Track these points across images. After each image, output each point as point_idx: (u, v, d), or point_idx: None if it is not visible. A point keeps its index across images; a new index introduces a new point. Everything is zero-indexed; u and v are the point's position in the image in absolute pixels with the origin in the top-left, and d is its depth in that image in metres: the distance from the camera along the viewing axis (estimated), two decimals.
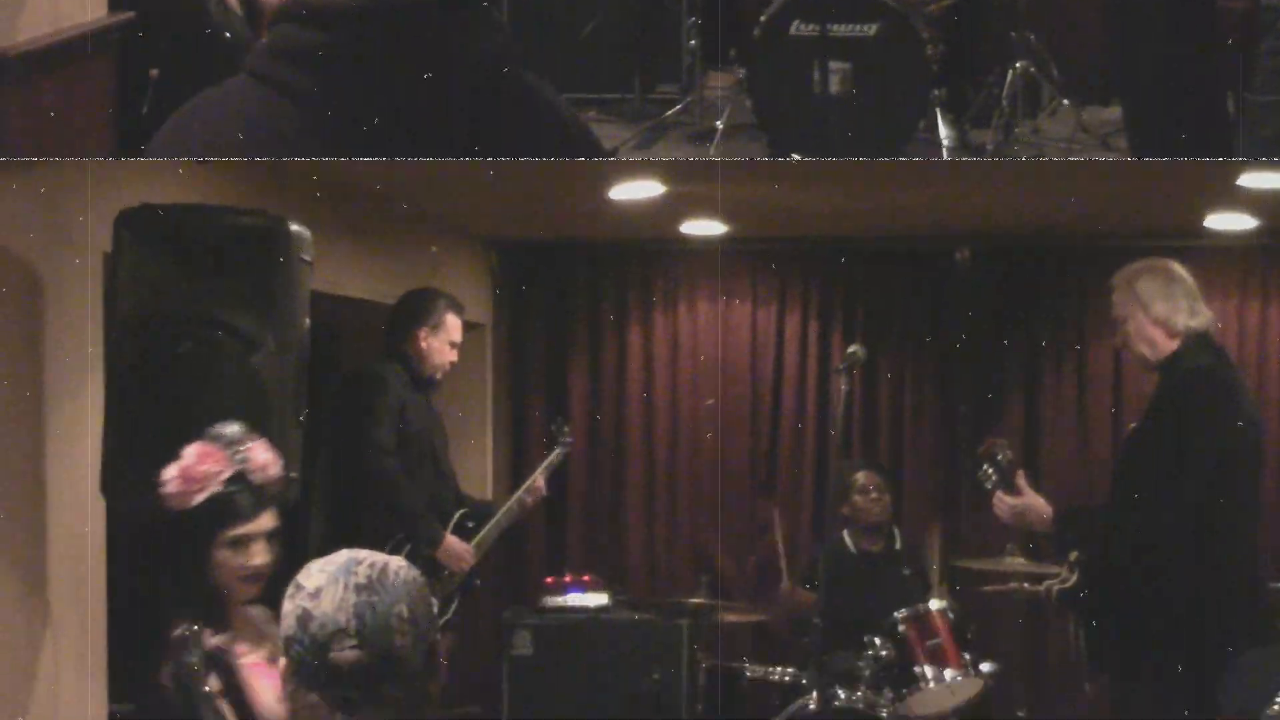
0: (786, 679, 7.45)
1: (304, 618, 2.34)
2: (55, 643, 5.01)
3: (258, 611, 3.72)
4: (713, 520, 9.12)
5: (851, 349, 5.81)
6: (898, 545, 8.04)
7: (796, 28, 6.74)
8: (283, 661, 2.37)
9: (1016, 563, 7.45)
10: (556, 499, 8.93)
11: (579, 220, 8.54)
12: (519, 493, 7.19)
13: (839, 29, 6.87)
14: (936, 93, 7.22)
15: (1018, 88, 7.40)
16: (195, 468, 3.66)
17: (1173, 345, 5.80)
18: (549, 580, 8.49)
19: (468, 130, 2.28)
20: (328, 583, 2.36)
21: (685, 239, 8.95)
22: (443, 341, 6.90)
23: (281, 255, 4.81)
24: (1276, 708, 2.80)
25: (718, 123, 7.25)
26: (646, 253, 9.21)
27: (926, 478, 9.02)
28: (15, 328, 4.90)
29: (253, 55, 2.28)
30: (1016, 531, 6.76)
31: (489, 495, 8.46)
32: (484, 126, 2.30)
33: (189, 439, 4.73)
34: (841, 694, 7.05)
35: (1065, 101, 7.58)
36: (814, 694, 6.81)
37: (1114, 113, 7.15)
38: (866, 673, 7.16)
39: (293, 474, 4.91)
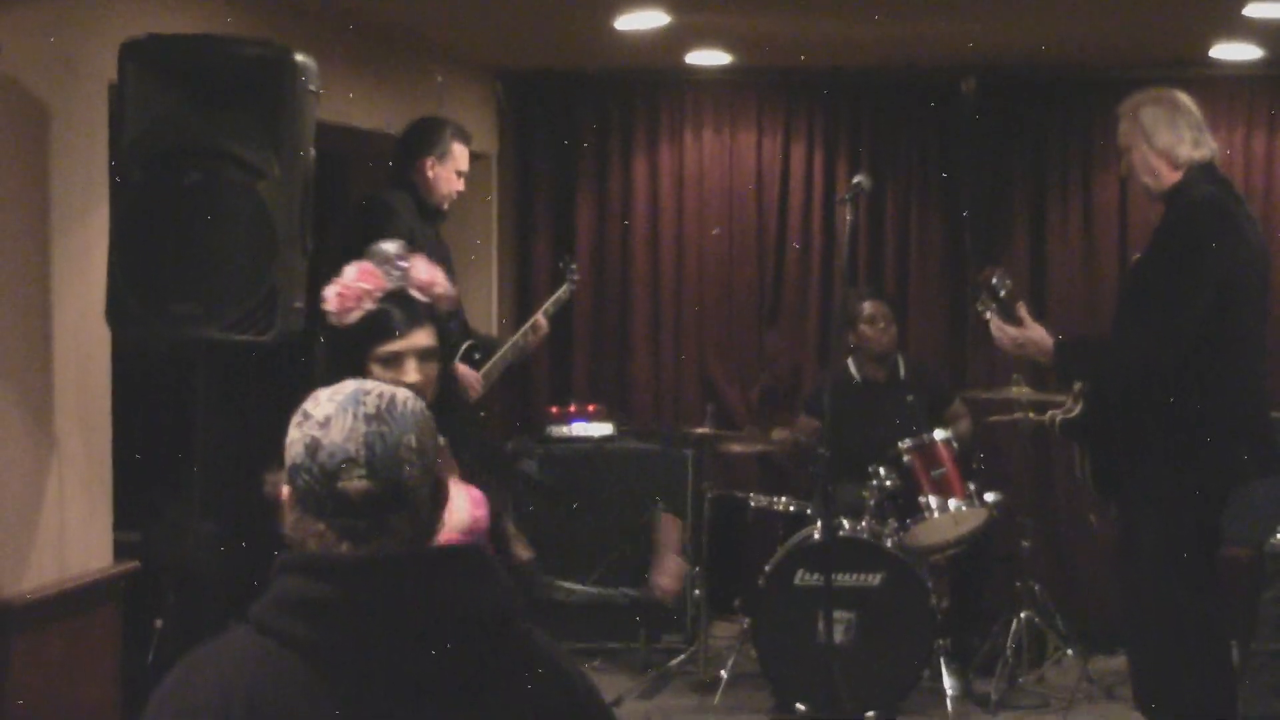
0: (791, 509, 7.51)
1: (312, 446, 2.33)
2: (61, 469, 5.04)
3: None
4: (718, 350, 9.15)
5: (857, 179, 5.78)
6: (902, 374, 8.06)
7: (801, 577, 6.78)
8: (286, 489, 2.37)
9: (1022, 392, 7.48)
10: (562, 330, 8.93)
11: (584, 50, 8.46)
12: (525, 327, 7.18)
13: (844, 578, 6.92)
14: (941, 642, 7.28)
15: (1023, 637, 7.46)
16: (352, 285, 3.67)
17: (1176, 176, 5.77)
18: (554, 410, 8.54)
19: (472, 681, 2.33)
20: (336, 412, 2.34)
21: (691, 69, 8.88)
22: (449, 171, 6.86)
23: (287, 85, 4.78)
24: (1279, 537, 2.80)
25: (722, 672, 7.28)
26: (652, 83, 9.15)
27: (931, 307, 9.01)
28: (23, 158, 4.88)
29: (256, 607, 2.32)
30: (1022, 361, 6.76)
31: (493, 326, 8.46)
32: (485, 677, 2.34)
33: (195, 268, 4.74)
34: (846, 524, 7.11)
35: (1070, 651, 7.65)
36: (819, 524, 6.86)
37: (1121, 662, 7.18)
38: (871, 503, 7.22)
39: (297, 304, 4.92)
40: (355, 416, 2.34)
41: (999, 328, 5.92)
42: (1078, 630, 7.72)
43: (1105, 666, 7.62)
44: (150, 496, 6.03)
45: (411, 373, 3.59)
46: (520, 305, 9.01)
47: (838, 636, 6.66)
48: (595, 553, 7.88)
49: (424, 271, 3.68)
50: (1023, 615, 7.42)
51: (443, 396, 3.66)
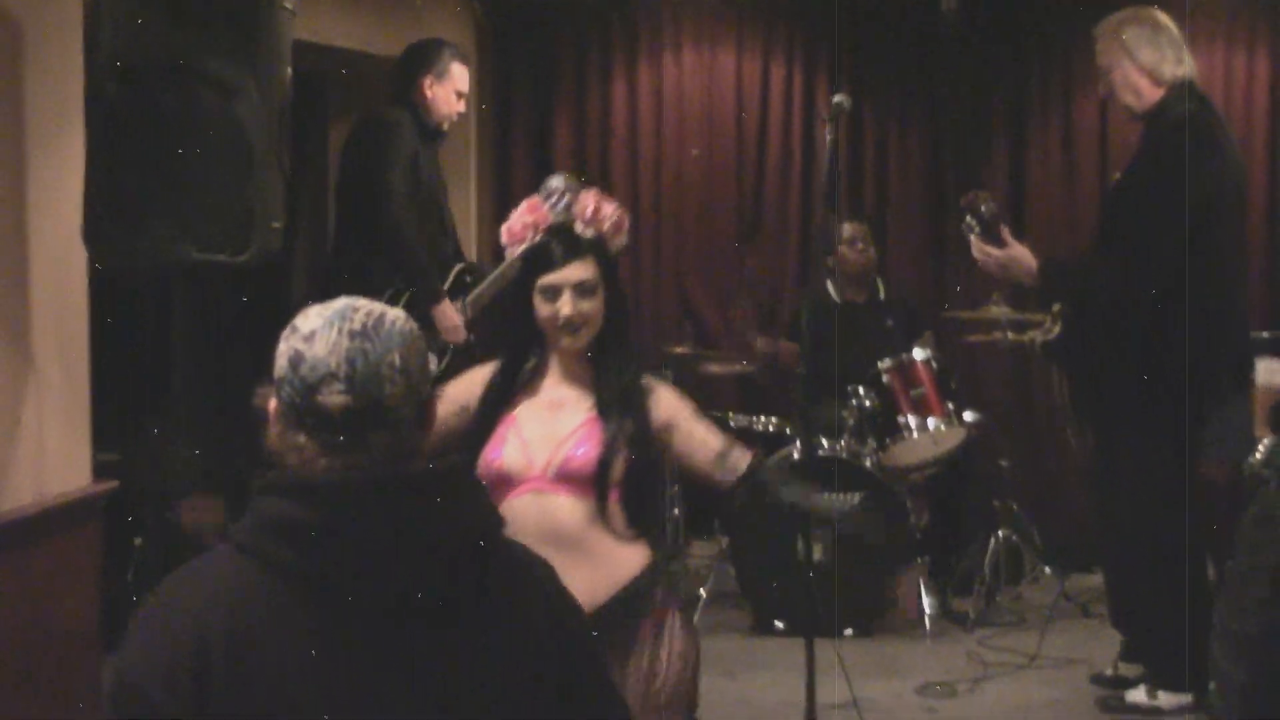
0: (770, 429, 7.52)
1: (295, 359, 2.34)
2: (39, 390, 5.02)
3: (576, 366, 3.76)
4: (697, 271, 9.13)
5: (837, 98, 5.74)
6: (881, 296, 8.06)
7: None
8: (273, 402, 2.37)
9: (1001, 312, 7.48)
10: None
11: None
12: (519, 252, 7.13)
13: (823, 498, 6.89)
14: (919, 560, 7.29)
15: (1000, 555, 7.49)
16: (517, 221, 3.74)
17: (1158, 94, 5.77)
18: None
19: (453, 600, 2.34)
20: (322, 326, 2.35)
21: None
22: (448, 91, 6.83)
23: (263, 3, 4.74)
24: (1259, 455, 2.81)
25: (701, 591, 7.25)
26: (632, 1, 9.09)
27: (911, 228, 9.00)
28: None
29: (237, 527, 2.32)
30: (1002, 282, 6.76)
31: (472, 247, 8.42)
32: (467, 596, 2.35)
33: (171, 188, 4.71)
34: (825, 443, 7.13)
35: (1047, 569, 7.70)
36: (797, 443, 6.87)
37: (1096, 580, 7.23)
38: (850, 422, 7.24)
39: (275, 224, 4.90)
40: (340, 332, 2.35)
41: (982, 249, 5.93)
42: (1055, 548, 7.76)
43: (1082, 584, 7.67)
44: (130, 416, 6.02)
45: (566, 305, 3.63)
46: (499, 225, 8.95)
47: (817, 555, 6.68)
48: None
49: (590, 205, 3.70)
50: (1000, 534, 7.46)
51: (606, 330, 3.69)
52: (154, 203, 4.72)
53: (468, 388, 3.77)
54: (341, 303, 2.39)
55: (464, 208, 8.66)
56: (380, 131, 6.70)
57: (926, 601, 7.15)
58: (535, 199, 3.75)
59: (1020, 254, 5.88)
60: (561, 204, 3.71)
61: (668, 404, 3.74)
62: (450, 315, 6.68)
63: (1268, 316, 6.07)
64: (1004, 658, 6.66)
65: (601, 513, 3.62)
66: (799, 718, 4.32)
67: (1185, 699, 5.74)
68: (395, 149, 6.62)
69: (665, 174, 9.11)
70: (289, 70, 4.84)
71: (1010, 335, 7.48)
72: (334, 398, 2.32)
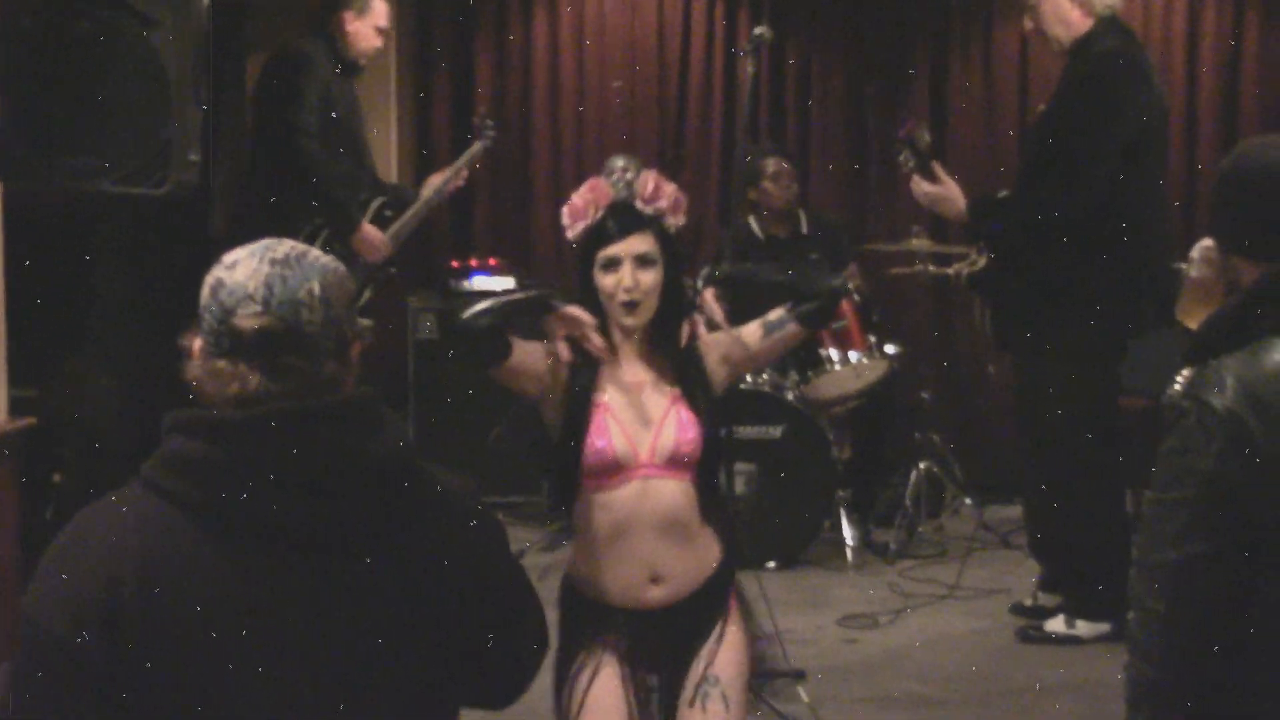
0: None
1: (216, 286, 2.34)
2: None
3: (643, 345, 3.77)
4: None
5: (758, 30, 5.71)
6: (804, 230, 8.06)
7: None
8: (197, 342, 2.37)
9: (922, 245, 7.51)
10: (463, 183, 8.86)
11: None
12: (439, 184, 7.10)
13: (745, 430, 6.93)
14: (841, 493, 7.29)
15: (921, 487, 7.49)
16: (579, 198, 3.76)
17: (1087, 25, 5.78)
18: (455, 264, 8.49)
19: (367, 532, 2.34)
20: (245, 256, 2.36)
21: None
22: (369, 25, 6.78)
23: None
24: (1177, 387, 2.82)
25: None
26: None
27: (833, 160, 9.00)
28: None
29: (147, 465, 2.32)
30: (923, 214, 6.79)
31: (392, 179, 8.37)
32: (382, 528, 2.35)
33: (87, 120, 4.65)
34: (748, 376, 7.13)
35: (968, 500, 7.72)
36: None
37: (1016, 511, 7.26)
38: None
39: (192, 156, 4.85)
40: (261, 260, 2.35)
41: (916, 184, 5.96)
42: (975, 480, 7.82)
43: (1002, 515, 7.73)
44: (47, 351, 5.96)
45: (628, 276, 3.65)
46: (419, 158, 8.93)
47: (739, 488, 6.71)
48: (496, 408, 7.86)
49: (651, 183, 3.73)
50: (921, 466, 7.51)
51: (664, 309, 3.71)
52: (69, 134, 4.67)
53: (536, 358, 3.76)
54: (269, 239, 2.40)
55: (384, 141, 8.60)
56: (292, 66, 6.63)
57: (848, 533, 7.19)
58: (597, 178, 3.81)
59: (952, 191, 5.92)
60: (623, 182, 3.75)
61: (713, 349, 3.79)
62: (370, 236, 6.66)
63: (1186, 249, 6.12)
64: (925, 589, 6.72)
65: (704, 493, 3.69)
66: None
67: (1103, 628, 5.81)
68: (307, 83, 6.56)
69: (587, 107, 9.07)
70: (206, 1, 4.78)
71: (931, 268, 7.52)
72: (250, 320, 2.31)
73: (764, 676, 5.27)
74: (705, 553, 3.70)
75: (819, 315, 3.81)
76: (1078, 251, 5.67)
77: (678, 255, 3.77)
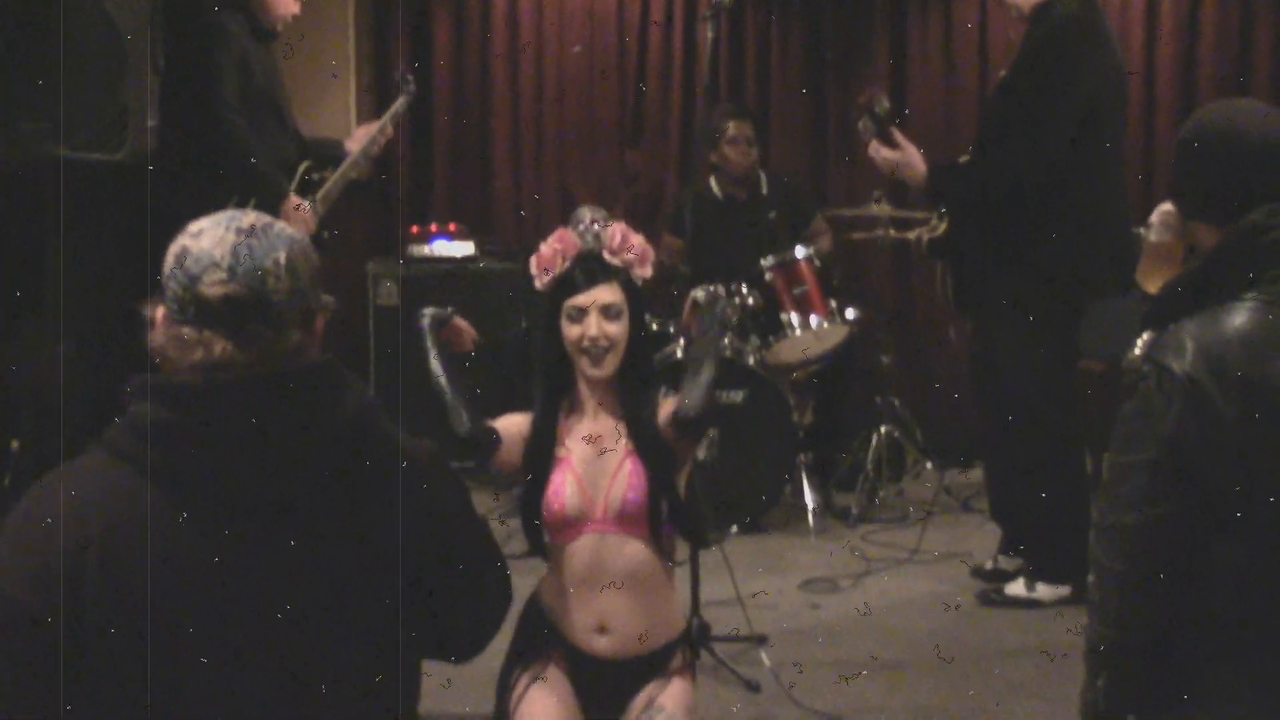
0: (654, 327, 7.52)
1: (181, 254, 2.35)
2: None
3: (606, 397, 3.79)
4: (580, 168, 9.09)
5: None
6: (764, 192, 8.05)
7: (664, 394, 6.63)
8: (160, 309, 2.37)
9: (883, 210, 7.51)
10: (422, 148, 8.83)
11: None
12: (364, 144, 7.05)
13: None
14: (803, 457, 7.30)
15: (882, 451, 7.51)
16: (547, 248, 3.80)
17: None
18: (414, 230, 8.46)
19: (330, 496, 2.35)
20: (211, 225, 2.38)
21: None
22: None
23: None
24: (1137, 351, 2.83)
25: None
26: None
27: (793, 124, 8.99)
28: None
29: (110, 431, 2.32)
30: (884, 179, 6.79)
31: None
32: (344, 491, 2.36)
33: (43, 86, 4.62)
34: None
35: (929, 464, 7.75)
36: (680, 342, 6.88)
37: (977, 475, 7.28)
38: (733, 320, 7.24)
39: (150, 122, 4.82)
40: (227, 229, 2.37)
41: (876, 150, 5.95)
42: (936, 444, 7.84)
43: (962, 479, 7.76)
44: (3, 318, 5.93)
45: (593, 326, 3.68)
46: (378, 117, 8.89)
47: (700, 453, 6.71)
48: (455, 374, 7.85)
49: (618, 235, 3.76)
50: (882, 430, 7.52)
51: (629, 360, 3.74)
52: (25, 100, 4.64)
53: (518, 427, 3.82)
54: (235, 210, 2.41)
55: (343, 106, 8.56)
56: (205, 38, 6.56)
57: (810, 498, 7.20)
58: (565, 229, 3.83)
59: (912, 157, 5.92)
60: (591, 233, 3.78)
61: (664, 410, 3.79)
62: (299, 210, 6.62)
63: (1145, 213, 6.12)
64: (886, 552, 6.73)
65: (658, 549, 3.72)
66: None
67: (1063, 591, 5.83)
68: (223, 56, 6.48)
69: (547, 71, 9.05)
70: None
71: (892, 233, 7.52)
72: (215, 287, 2.32)
73: (726, 640, 5.29)
74: (662, 619, 3.75)
75: (693, 426, 3.76)
76: (1036, 216, 5.67)
77: (643, 307, 3.79)
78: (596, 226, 3.79)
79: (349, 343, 8.27)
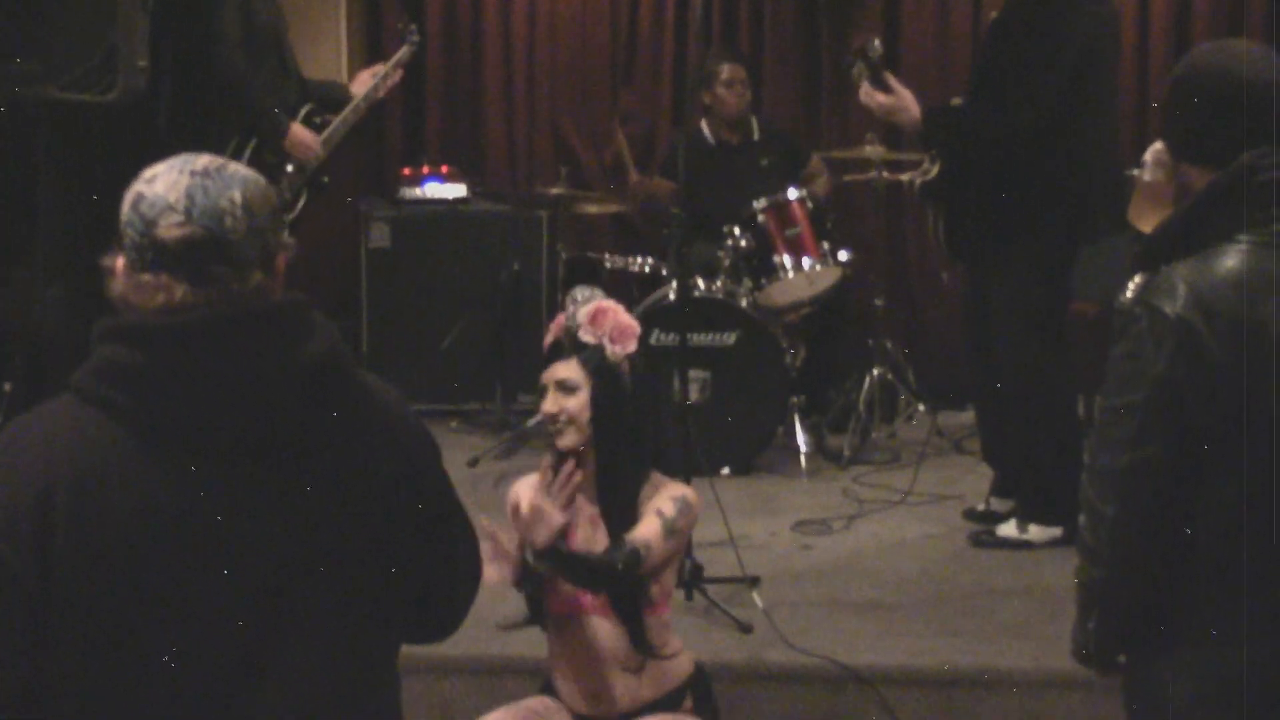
0: (646, 269, 7.52)
1: (136, 200, 2.34)
2: None
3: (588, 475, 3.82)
4: (572, 110, 9.06)
5: None
6: (756, 136, 8.03)
7: (656, 337, 6.59)
8: (120, 259, 2.36)
9: (876, 152, 7.49)
10: (414, 90, 8.78)
11: None
12: (369, 86, 7.04)
13: (699, 338, 6.85)
14: (795, 399, 7.24)
15: (875, 393, 7.48)
16: (549, 333, 3.87)
17: None
18: (406, 172, 8.44)
19: (298, 435, 2.35)
20: (164, 170, 2.36)
21: None
22: None
23: None
24: (1129, 293, 2.83)
25: None
26: None
27: (787, 67, 8.96)
28: None
29: (78, 374, 2.31)
30: (877, 121, 6.76)
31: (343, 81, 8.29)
32: (312, 431, 2.36)
33: (33, 25, 4.60)
34: (701, 284, 7.13)
35: (921, 406, 7.72)
36: (673, 284, 6.87)
37: (969, 417, 7.24)
38: (726, 262, 7.24)
39: (141, 62, 4.80)
40: (181, 172, 2.35)
41: (869, 94, 5.94)
42: (928, 386, 7.84)
43: (954, 421, 7.76)
44: None
45: (549, 401, 3.76)
46: (370, 61, 8.84)
47: (693, 395, 6.71)
48: (450, 316, 7.86)
49: (590, 312, 3.80)
50: (875, 372, 7.52)
51: (599, 435, 3.77)
52: (14, 39, 4.62)
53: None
54: (188, 154, 2.40)
55: (334, 50, 8.53)
56: None
57: (802, 440, 7.21)
58: (562, 312, 3.91)
59: (906, 100, 5.90)
60: (572, 311, 3.83)
61: (659, 499, 3.80)
62: (301, 135, 6.63)
63: (1138, 157, 6.10)
64: (878, 494, 6.74)
65: (639, 640, 3.77)
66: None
67: (1055, 532, 5.84)
68: None
69: (539, 12, 9.00)
70: None
71: (885, 175, 7.51)
72: (172, 229, 2.31)
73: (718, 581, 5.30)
74: (664, 674, 3.84)
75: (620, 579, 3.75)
76: (1029, 159, 5.66)
77: (614, 382, 3.79)
78: (575, 306, 3.83)
79: (341, 286, 8.26)
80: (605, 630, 3.76)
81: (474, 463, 6.99)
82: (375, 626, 2.46)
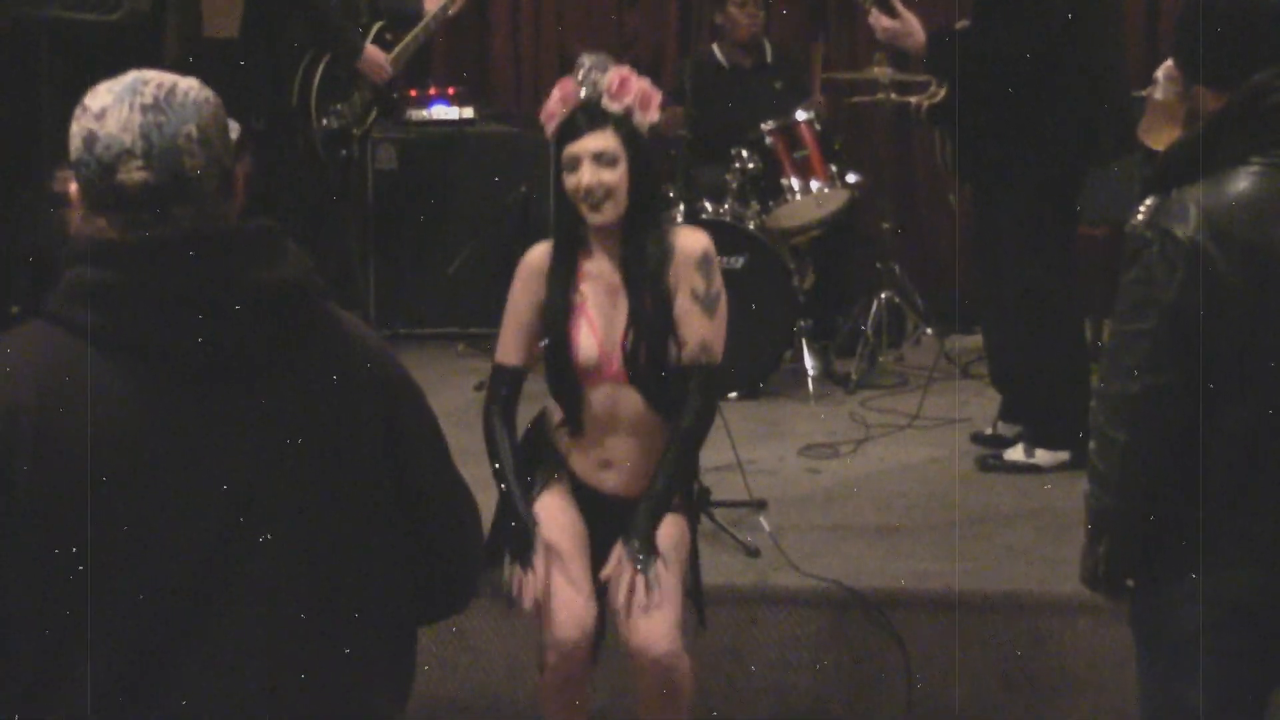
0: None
1: (89, 139, 2.29)
2: None
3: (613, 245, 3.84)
4: (579, 31, 9.00)
5: None
6: (768, 59, 7.98)
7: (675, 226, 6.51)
8: (73, 186, 2.34)
9: (884, 73, 7.45)
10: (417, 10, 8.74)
11: None
12: (438, 7, 7.05)
13: None
14: (802, 323, 7.19)
15: (882, 317, 7.42)
16: (552, 98, 3.84)
17: None
18: (413, 93, 8.39)
19: (265, 358, 2.32)
20: (113, 103, 2.30)
21: None
22: None
23: None
24: (1140, 217, 2.81)
25: None
26: None
27: None
28: None
29: (48, 298, 2.29)
30: (885, 46, 6.72)
31: None
32: (280, 354, 2.33)
33: None
34: (709, 206, 7.10)
35: (929, 330, 7.62)
36: (680, 206, 6.85)
37: (976, 341, 7.13)
38: (733, 185, 7.21)
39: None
40: (131, 107, 2.30)
41: (875, 19, 5.91)
42: (936, 310, 7.82)
43: (962, 345, 7.74)
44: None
45: (586, 174, 3.72)
46: None
47: None
48: (457, 238, 7.84)
49: (616, 80, 3.77)
50: (883, 296, 7.51)
51: (635, 206, 3.78)
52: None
53: (532, 288, 3.90)
54: (130, 77, 2.34)
55: None
56: None
57: (809, 364, 7.19)
58: (567, 77, 3.84)
59: (912, 25, 5.87)
60: (589, 80, 3.78)
61: (681, 268, 3.84)
62: (375, 56, 6.66)
63: (1146, 78, 6.04)
64: (886, 418, 6.73)
65: (663, 405, 3.81)
66: None
67: (1062, 456, 5.83)
68: None
69: None
70: None
71: (893, 96, 7.46)
72: (133, 174, 2.28)
73: (726, 505, 5.31)
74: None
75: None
76: (1036, 82, 5.62)
77: (646, 152, 3.81)
78: (595, 74, 3.78)
79: (348, 207, 8.23)
80: (629, 397, 3.81)
81: (480, 386, 6.99)
82: (349, 568, 2.40)
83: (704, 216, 6.98)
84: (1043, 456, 5.88)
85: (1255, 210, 2.71)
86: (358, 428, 2.41)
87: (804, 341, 7.23)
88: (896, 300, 7.61)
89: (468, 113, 8.28)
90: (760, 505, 5.39)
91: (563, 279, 3.84)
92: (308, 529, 2.35)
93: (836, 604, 4.80)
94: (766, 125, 7.22)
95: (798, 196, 7.18)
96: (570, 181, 3.74)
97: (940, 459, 6.18)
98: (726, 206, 7.13)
